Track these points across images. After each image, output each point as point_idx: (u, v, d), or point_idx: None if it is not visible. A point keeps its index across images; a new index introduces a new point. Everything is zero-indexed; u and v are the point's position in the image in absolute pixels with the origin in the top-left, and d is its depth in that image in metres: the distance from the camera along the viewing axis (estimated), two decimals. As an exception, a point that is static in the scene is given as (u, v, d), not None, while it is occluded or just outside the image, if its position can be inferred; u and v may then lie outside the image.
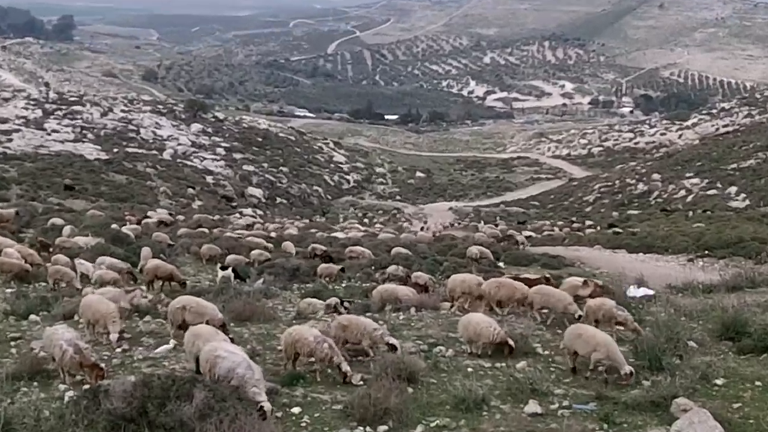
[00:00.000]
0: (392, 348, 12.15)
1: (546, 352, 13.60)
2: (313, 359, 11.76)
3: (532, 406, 10.16)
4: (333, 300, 18.65)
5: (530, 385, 10.77)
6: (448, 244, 39.98)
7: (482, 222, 69.94)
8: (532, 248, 40.77)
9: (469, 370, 12.29)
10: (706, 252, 33.78)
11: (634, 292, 19.01)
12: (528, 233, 49.78)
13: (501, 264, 31.51)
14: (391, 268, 24.98)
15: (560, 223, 66.69)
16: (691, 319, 14.88)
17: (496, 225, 65.39)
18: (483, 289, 17.51)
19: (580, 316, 14.98)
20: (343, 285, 24.58)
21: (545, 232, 54.77)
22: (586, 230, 54.79)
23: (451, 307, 18.44)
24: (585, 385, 11.38)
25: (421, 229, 68.73)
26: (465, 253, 33.17)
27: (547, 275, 21.26)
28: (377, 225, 70.85)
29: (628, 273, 23.87)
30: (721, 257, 32.04)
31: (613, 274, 25.91)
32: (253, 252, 29.31)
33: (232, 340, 12.12)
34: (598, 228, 56.21)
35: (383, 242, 39.93)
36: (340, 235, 46.10)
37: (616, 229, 50.53)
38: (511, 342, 12.95)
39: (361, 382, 11.35)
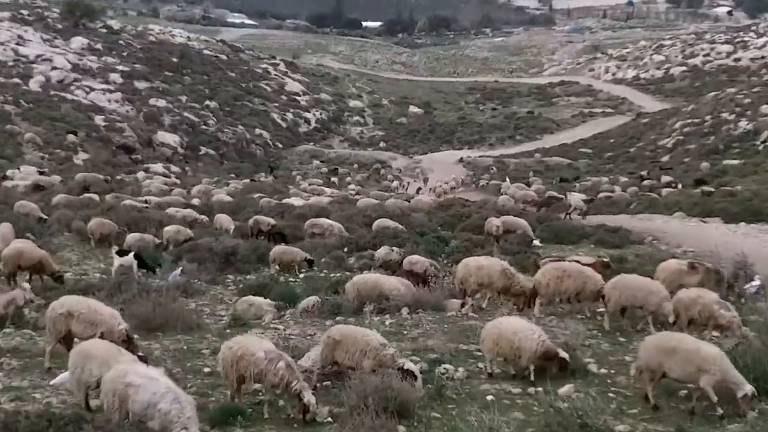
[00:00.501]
0: (407, 375, 12.22)
1: (602, 371, 13.79)
2: (261, 385, 11.79)
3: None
4: (312, 299, 18.96)
5: (579, 419, 10.91)
6: (458, 213, 40.12)
7: (508, 180, 70.19)
8: (582, 218, 40.98)
9: (489, 398, 12.42)
10: None
11: (751, 284, 19.37)
12: (577, 196, 49.98)
13: (536, 242, 31.68)
14: (381, 251, 25.18)
15: (624, 180, 67.24)
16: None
17: (529, 184, 65.73)
18: (538, 278, 17.96)
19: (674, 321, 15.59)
20: (301, 275, 24.66)
21: (601, 194, 55.24)
22: (662, 190, 55.23)
23: (463, 306, 18.55)
24: (658, 418, 11.58)
25: (418, 191, 69.13)
26: (483, 227, 33.27)
27: (605, 259, 21.39)
28: (352, 186, 71.07)
29: (724, 253, 24.06)
30: None
31: (702, 255, 26.12)
32: (166, 229, 29.25)
33: (145, 361, 12.10)
34: (680, 186, 56.69)
35: (361, 212, 40.05)
36: (296, 201, 46.15)
37: (707, 188, 50.94)
38: (563, 354, 13.23)
39: (329, 419, 11.42)
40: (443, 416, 11.65)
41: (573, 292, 17.59)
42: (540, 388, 12.67)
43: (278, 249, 26.36)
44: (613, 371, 13.84)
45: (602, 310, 17.58)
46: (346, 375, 12.76)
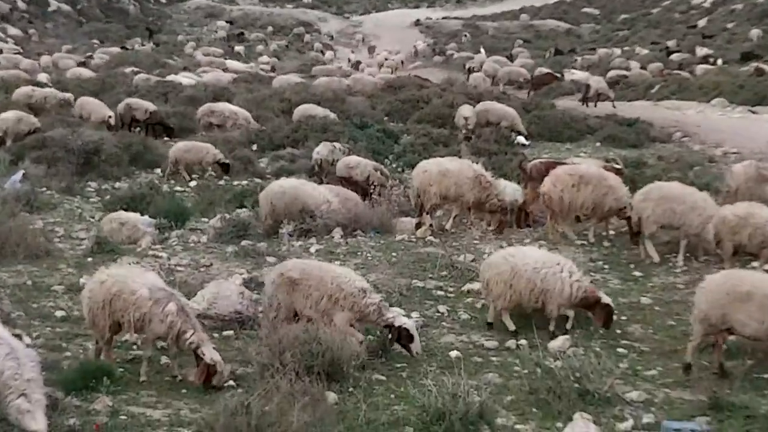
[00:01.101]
0: (400, 336, 12.10)
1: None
2: (143, 336, 11.76)
3: (580, 427, 10.45)
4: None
5: (576, 383, 11.01)
6: (413, 97, 40.09)
7: (483, 51, 70.06)
8: (584, 107, 41.14)
9: (454, 354, 12.48)
10: None
11: None
12: (576, 72, 50.20)
13: (522, 139, 31.73)
14: (323, 150, 25.10)
15: (644, 52, 67.35)
16: None
17: (512, 57, 65.64)
18: (547, 188, 17.99)
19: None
20: (192, 184, 24.57)
21: (612, 72, 55.31)
22: (697, 67, 55.51)
23: (418, 226, 18.67)
24: (685, 383, 11.75)
25: (357, 66, 68.34)
26: (448, 117, 33.23)
27: (617, 163, 21.49)
28: (264, 59, 70.26)
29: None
30: None
31: (750, 161, 26.49)
32: (2, 116, 28.73)
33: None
34: (721, 62, 56.98)
35: (277, 94, 39.87)
36: (185, 79, 45.69)
37: (758, 65, 51.08)
38: (606, 299, 13.32)
39: (231, 382, 11.45)
40: (389, 379, 11.70)
41: (590, 206, 17.82)
42: (524, 341, 12.78)
43: (181, 146, 26.10)
44: (624, 318, 14.01)
45: (613, 232, 17.87)
46: (254, 320, 12.76)
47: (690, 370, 11.93)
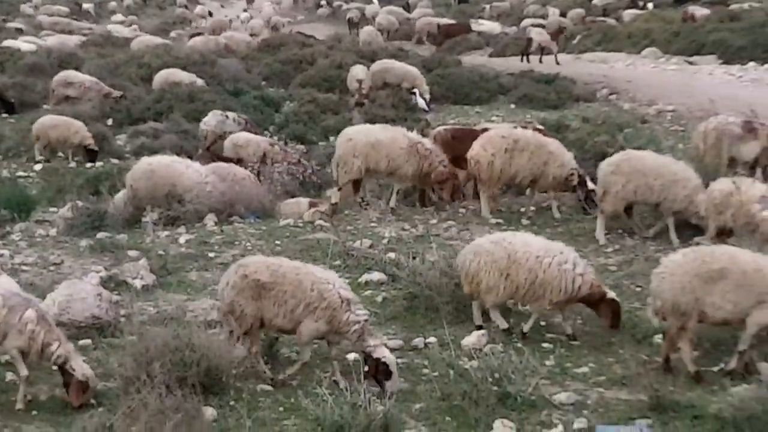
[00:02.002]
0: (376, 369, 11.57)
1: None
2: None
3: (500, 434, 10.54)
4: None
5: (496, 385, 10.97)
6: (295, 57, 40.20)
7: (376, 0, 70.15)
8: (492, 59, 41.41)
9: (351, 357, 12.42)
10: None
11: None
12: (484, 23, 50.34)
13: (422, 102, 31.72)
14: (211, 120, 24.92)
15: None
16: None
17: (408, 6, 65.71)
18: (477, 153, 17.96)
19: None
20: (37, 167, 24.33)
21: (527, 21, 55.59)
22: (624, 12, 56.10)
23: (313, 208, 18.68)
24: (622, 381, 11.82)
25: (230, 24, 67.74)
26: (339, 80, 33.27)
27: (537, 125, 21.61)
28: (118, 17, 69.59)
29: (723, 112, 24.23)
30: None
31: (687, 117, 26.72)
32: None
33: None
34: (652, 6, 57.50)
35: (134, 58, 39.58)
36: (24, 44, 45.28)
37: (695, 8, 51.57)
38: (612, 294, 13.16)
39: (92, 400, 11.27)
40: (277, 390, 11.66)
41: (528, 175, 17.89)
42: (433, 339, 12.76)
43: (47, 120, 25.70)
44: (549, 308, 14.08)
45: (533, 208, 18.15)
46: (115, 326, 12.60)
47: (702, 380, 11.67)
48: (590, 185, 18.06)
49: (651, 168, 16.70)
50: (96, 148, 25.48)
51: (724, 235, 15.43)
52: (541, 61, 42.46)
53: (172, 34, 57.26)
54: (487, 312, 13.18)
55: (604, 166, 17.08)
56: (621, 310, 13.05)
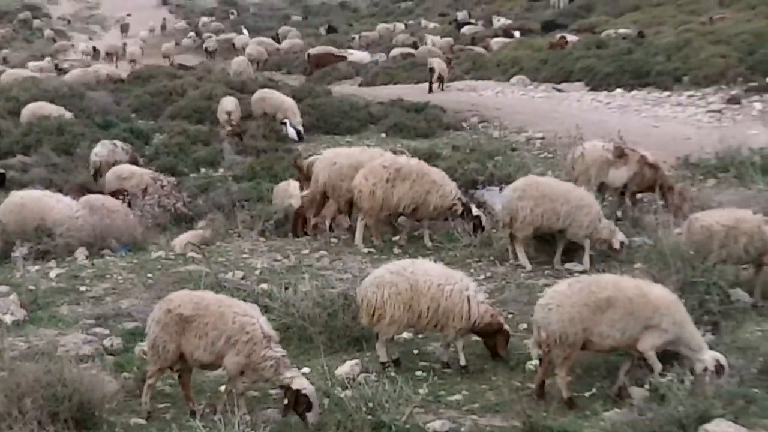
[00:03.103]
0: (296, 401, 11.30)
1: (406, 336, 14.01)
2: None
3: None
4: None
5: (370, 414, 10.83)
6: (164, 88, 39.91)
7: (246, 32, 70.05)
8: (362, 88, 41.56)
9: (224, 388, 12.27)
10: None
11: None
12: (354, 53, 50.28)
13: (292, 132, 31.69)
14: (102, 150, 24.68)
15: (431, 26, 68.27)
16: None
17: (278, 37, 65.82)
18: (360, 183, 18.07)
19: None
20: None
21: (396, 51, 56.09)
22: (492, 41, 56.62)
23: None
24: (495, 408, 11.84)
25: (94, 53, 66.89)
26: (209, 111, 33.17)
27: (405, 154, 21.78)
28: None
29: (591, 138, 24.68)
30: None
31: (557, 144, 26.99)
32: None
33: None
34: (519, 34, 58.18)
35: (4, 91, 39.02)
36: None
37: (563, 35, 52.30)
38: (504, 326, 13.15)
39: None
40: (150, 422, 11.51)
41: (410, 204, 17.96)
42: (307, 369, 12.68)
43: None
44: (422, 336, 14.05)
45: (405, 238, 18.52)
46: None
47: (575, 406, 11.71)
48: (475, 212, 18.09)
49: (558, 193, 16.75)
50: (2, 171, 25.00)
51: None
52: (442, 89, 43.08)
53: (42, 64, 56.19)
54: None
55: (509, 192, 17.08)
56: (508, 340, 13.09)
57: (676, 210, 18.00)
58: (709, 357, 11.43)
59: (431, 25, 69.26)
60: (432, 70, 44.19)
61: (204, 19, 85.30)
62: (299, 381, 11.33)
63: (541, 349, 11.88)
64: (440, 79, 43.66)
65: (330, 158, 19.24)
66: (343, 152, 19.87)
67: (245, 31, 70.70)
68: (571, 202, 16.54)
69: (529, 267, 16.88)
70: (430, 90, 43.06)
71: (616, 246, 16.39)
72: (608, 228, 16.47)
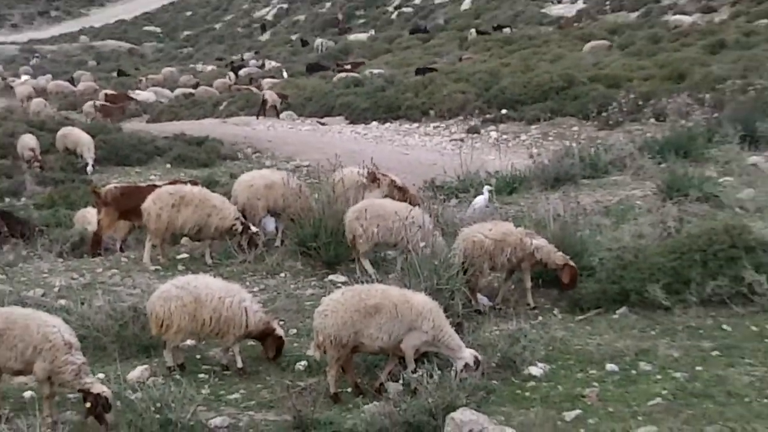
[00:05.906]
0: (96, 405, 11.34)
1: (189, 342, 14.28)
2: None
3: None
4: None
5: (157, 413, 10.94)
6: None
7: (27, 76, 68.97)
8: (149, 124, 41.69)
9: (28, 395, 12.47)
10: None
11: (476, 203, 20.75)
12: (141, 93, 49.86)
13: (90, 165, 31.49)
14: None
15: (210, 68, 68.00)
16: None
17: (73, 80, 64.96)
18: (148, 207, 18.71)
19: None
20: None
21: (179, 91, 56.22)
22: (263, 81, 57.06)
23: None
24: (269, 404, 12.42)
25: None
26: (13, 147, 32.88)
27: (195, 184, 21.98)
28: None
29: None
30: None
31: (322, 170, 27.32)
32: None
33: None
34: (286, 75, 58.48)
35: None
36: None
37: (325, 74, 53.01)
38: (280, 331, 13.81)
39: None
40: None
41: (193, 226, 18.78)
42: (101, 374, 12.77)
43: None
44: (204, 344, 14.43)
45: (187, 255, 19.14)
46: None
47: (339, 400, 12.39)
48: (253, 229, 18.97)
49: (388, 212, 17.19)
50: None
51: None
52: (278, 116, 45.95)
53: None
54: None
55: (350, 213, 17.50)
56: (282, 345, 13.77)
57: None
58: (468, 354, 12.18)
59: (209, 68, 71.57)
60: (265, 101, 46.59)
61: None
62: (98, 386, 11.58)
63: (320, 351, 12.40)
64: (274, 109, 46.16)
65: (247, 180, 20.40)
66: (258, 174, 20.88)
67: (24, 76, 70.56)
68: (401, 218, 16.88)
69: (374, 274, 16.74)
70: (258, 117, 45.72)
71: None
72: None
